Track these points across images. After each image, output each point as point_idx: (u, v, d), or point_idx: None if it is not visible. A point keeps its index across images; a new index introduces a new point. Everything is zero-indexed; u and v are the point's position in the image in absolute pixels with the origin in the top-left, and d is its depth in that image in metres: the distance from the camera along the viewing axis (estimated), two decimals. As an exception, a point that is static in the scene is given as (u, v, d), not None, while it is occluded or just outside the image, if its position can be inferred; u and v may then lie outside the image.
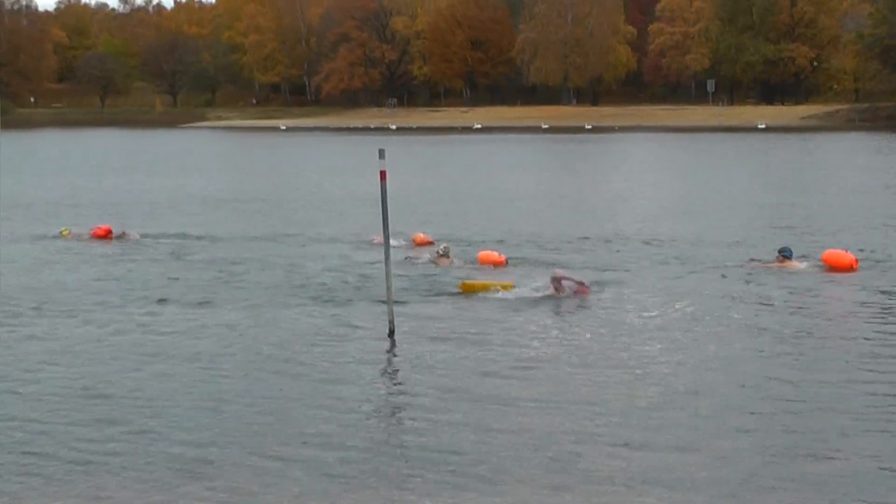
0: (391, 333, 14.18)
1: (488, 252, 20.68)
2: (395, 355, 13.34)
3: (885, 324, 14.67)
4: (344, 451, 9.66)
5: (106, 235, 25.23)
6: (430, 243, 22.96)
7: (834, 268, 18.87)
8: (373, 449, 9.74)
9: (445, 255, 20.55)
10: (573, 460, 9.34)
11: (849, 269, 18.68)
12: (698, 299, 16.37)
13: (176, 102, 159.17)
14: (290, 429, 10.37)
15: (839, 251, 19.43)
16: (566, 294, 16.55)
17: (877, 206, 30.68)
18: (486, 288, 17.25)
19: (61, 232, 25.99)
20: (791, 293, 16.85)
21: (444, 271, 19.49)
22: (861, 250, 20.85)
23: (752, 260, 19.93)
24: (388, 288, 14.34)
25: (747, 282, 17.93)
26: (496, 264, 20.04)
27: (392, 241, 23.66)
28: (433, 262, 20.46)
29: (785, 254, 19.28)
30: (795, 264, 19.07)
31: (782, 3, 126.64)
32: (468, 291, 17.20)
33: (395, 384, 12.15)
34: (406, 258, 20.89)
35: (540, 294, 16.72)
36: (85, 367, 12.88)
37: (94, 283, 18.96)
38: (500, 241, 23.44)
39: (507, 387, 11.67)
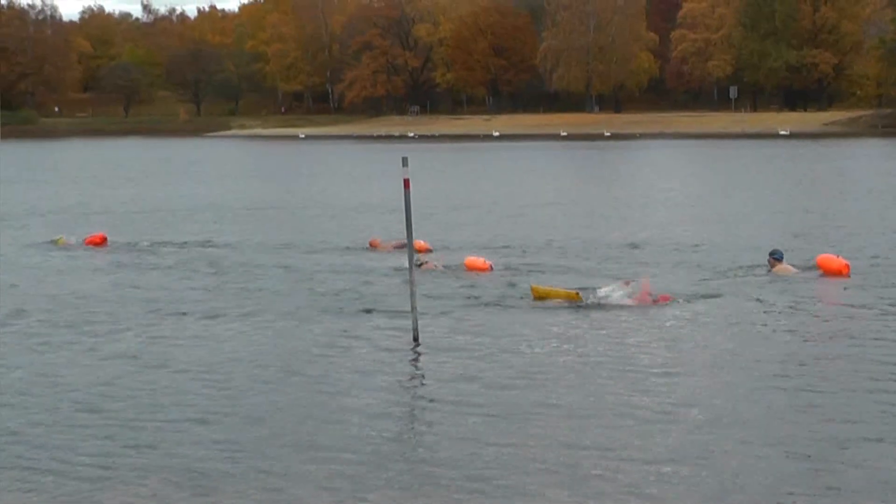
0: (415, 340, 14.06)
1: (474, 258, 20.71)
2: (418, 364, 13.19)
3: (879, 329, 14.56)
4: (355, 463, 9.51)
5: (101, 243, 25.29)
6: (430, 250, 22.91)
7: (826, 272, 18.81)
8: (384, 460, 9.59)
9: (420, 264, 20.54)
10: (587, 475, 9.17)
11: (839, 273, 18.56)
12: (710, 307, 16.25)
13: (199, 111, 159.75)
14: (301, 440, 10.20)
15: (831, 256, 19.38)
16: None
17: (884, 211, 30.48)
18: (555, 295, 17.03)
19: (57, 240, 25.94)
20: (783, 298, 16.73)
21: (467, 280, 19.38)
22: (875, 256, 20.91)
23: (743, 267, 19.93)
24: (412, 295, 14.15)
25: (749, 288, 17.79)
26: (481, 270, 20.05)
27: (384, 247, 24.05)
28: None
29: (776, 256, 19.20)
30: (787, 267, 18.96)
31: (805, 9, 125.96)
32: (539, 298, 17.00)
33: (415, 394, 11.99)
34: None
35: (607, 302, 16.50)
36: (98, 379, 12.67)
37: (106, 293, 18.83)
38: (502, 248, 23.43)
39: (526, 398, 11.49)
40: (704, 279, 18.75)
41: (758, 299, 16.70)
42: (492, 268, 20.17)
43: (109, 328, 15.59)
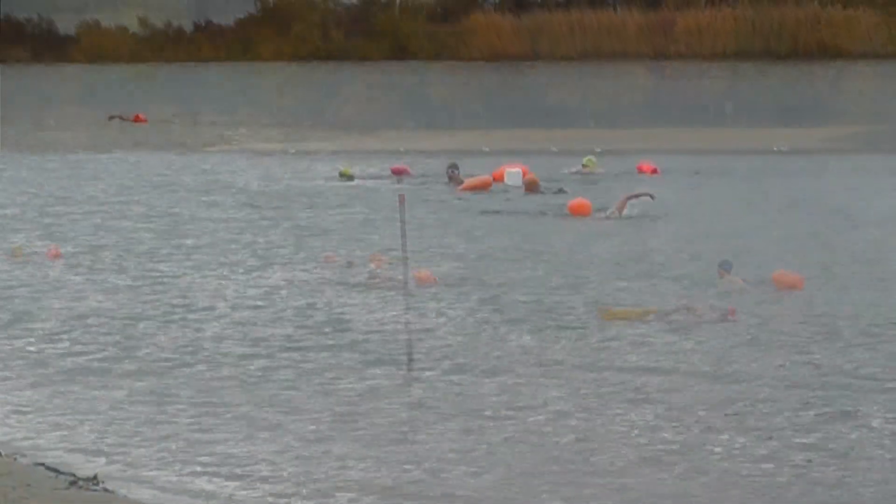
0: (408, 360, 13.76)
1: (418, 271, 20.67)
2: (411, 385, 12.98)
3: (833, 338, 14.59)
4: (339, 490, 9.19)
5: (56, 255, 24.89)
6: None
7: (780, 286, 19.33)
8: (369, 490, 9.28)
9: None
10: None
11: (792, 287, 19.07)
12: (672, 323, 16.22)
13: (195, 125, 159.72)
14: (280, 462, 9.87)
15: (786, 271, 19.95)
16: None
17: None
18: (628, 315, 16.99)
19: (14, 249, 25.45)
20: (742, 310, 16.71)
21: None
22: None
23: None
24: (406, 314, 13.95)
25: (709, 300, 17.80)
26: (427, 282, 20.02)
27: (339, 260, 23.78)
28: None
29: (724, 267, 19.89)
30: (735, 279, 19.59)
31: (801, 25, 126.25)
32: (610, 318, 16.85)
33: (405, 417, 11.75)
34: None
35: (672, 317, 16.45)
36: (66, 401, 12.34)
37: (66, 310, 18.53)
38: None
39: (522, 424, 11.21)
40: (664, 293, 18.73)
41: (720, 311, 16.69)
42: (436, 280, 20.13)
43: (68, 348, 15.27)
